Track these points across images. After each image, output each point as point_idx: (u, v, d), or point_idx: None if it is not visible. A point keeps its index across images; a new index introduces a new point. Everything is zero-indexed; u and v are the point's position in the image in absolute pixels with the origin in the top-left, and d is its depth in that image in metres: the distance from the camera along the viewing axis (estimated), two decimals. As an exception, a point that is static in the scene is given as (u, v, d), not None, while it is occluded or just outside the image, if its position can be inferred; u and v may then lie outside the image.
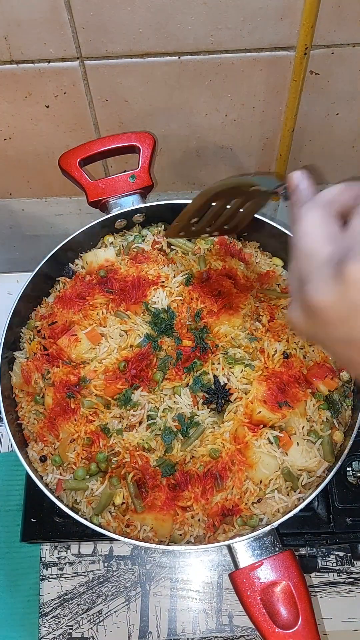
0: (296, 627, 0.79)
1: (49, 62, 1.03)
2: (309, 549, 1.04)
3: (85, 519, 0.88)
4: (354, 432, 0.92)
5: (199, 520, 0.89)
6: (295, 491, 0.91)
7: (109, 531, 0.87)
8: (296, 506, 0.88)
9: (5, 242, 1.50)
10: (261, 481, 0.90)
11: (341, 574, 1.06)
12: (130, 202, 1.10)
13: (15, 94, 1.09)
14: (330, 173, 1.32)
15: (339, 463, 0.90)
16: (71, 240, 1.07)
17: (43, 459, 0.95)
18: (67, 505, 0.90)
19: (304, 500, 0.88)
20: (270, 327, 1.00)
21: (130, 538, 0.87)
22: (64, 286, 1.08)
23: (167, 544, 0.89)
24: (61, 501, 0.90)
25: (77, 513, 0.89)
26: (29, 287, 1.04)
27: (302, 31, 0.97)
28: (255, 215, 1.06)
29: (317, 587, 1.05)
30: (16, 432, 0.98)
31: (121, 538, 0.86)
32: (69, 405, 0.95)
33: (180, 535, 0.90)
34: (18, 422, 1.00)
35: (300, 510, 0.98)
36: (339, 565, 1.07)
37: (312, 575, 1.05)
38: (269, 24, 0.97)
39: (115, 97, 1.11)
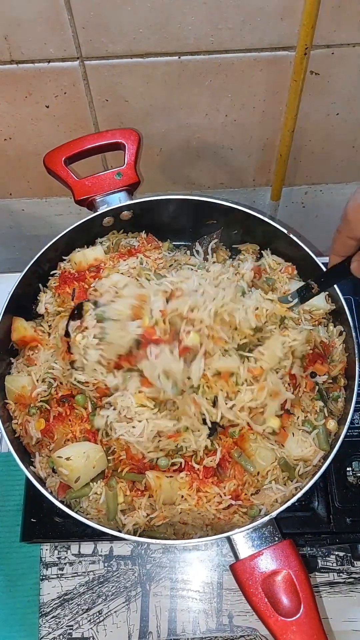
0: (298, 615, 0.80)
1: (49, 62, 1.03)
2: (309, 549, 1.04)
3: (106, 527, 0.87)
4: (348, 420, 0.92)
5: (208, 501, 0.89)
6: (292, 481, 0.91)
7: (135, 531, 0.88)
8: (294, 495, 0.88)
9: (5, 242, 1.51)
10: (259, 473, 0.91)
11: (341, 574, 1.06)
12: (117, 200, 1.09)
13: (15, 94, 1.09)
14: (330, 173, 1.32)
15: (334, 451, 0.90)
16: (58, 240, 1.06)
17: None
18: (67, 505, 0.89)
19: (301, 489, 0.88)
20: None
21: (142, 536, 0.88)
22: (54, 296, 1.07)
23: (170, 539, 0.89)
24: (69, 507, 0.89)
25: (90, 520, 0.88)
26: (16, 293, 1.02)
27: (302, 31, 0.97)
28: (253, 214, 1.07)
29: (317, 587, 1.05)
30: (14, 439, 0.97)
31: (135, 538, 0.86)
32: (61, 414, 0.94)
33: (184, 525, 0.90)
34: (16, 436, 0.99)
35: (301, 510, 0.98)
36: (339, 565, 1.06)
37: (312, 575, 1.05)
38: (269, 24, 0.97)
39: (115, 97, 1.11)
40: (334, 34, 0.99)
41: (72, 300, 1.01)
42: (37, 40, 0.99)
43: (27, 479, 1.02)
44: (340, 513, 0.98)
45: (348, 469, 1.01)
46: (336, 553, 1.07)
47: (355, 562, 1.06)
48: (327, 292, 1.03)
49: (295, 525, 0.98)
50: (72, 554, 1.08)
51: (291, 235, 1.05)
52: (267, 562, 0.83)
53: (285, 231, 1.05)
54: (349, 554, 1.06)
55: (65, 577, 1.07)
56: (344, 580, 1.06)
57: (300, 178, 1.32)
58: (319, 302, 1.02)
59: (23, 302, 1.07)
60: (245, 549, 0.85)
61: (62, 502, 0.89)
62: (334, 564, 1.07)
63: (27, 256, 1.04)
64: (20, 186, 1.33)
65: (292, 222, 1.43)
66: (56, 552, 1.09)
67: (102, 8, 0.94)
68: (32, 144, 1.21)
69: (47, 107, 1.12)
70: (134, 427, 0.87)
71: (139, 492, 0.90)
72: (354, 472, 1.01)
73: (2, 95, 1.10)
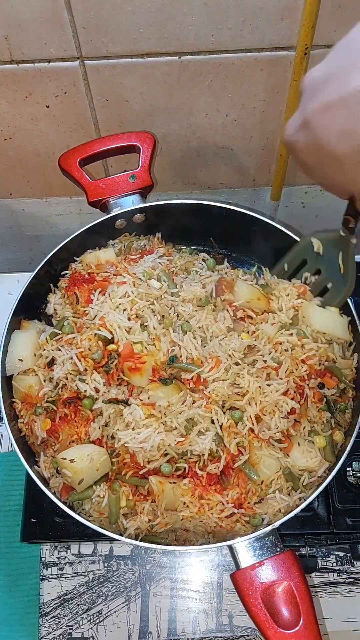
0: (298, 627, 0.79)
1: (49, 62, 1.03)
2: (309, 549, 1.04)
3: (107, 531, 0.87)
4: (355, 432, 0.92)
5: (210, 509, 0.89)
6: (296, 491, 0.91)
7: (137, 535, 0.88)
8: (297, 506, 0.87)
9: (5, 242, 1.50)
10: (263, 481, 0.90)
11: (341, 574, 1.06)
12: (131, 202, 1.10)
13: (15, 94, 1.09)
14: (330, 173, 1.31)
15: (340, 463, 0.89)
16: (70, 241, 1.07)
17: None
18: (69, 507, 0.89)
19: (304, 500, 0.88)
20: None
21: (144, 541, 0.87)
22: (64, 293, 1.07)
23: (171, 544, 0.89)
24: (72, 509, 0.89)
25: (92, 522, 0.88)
26: (26, 293, 1.03)
27: (303, 31, 0.97)
28: (253, 214, 1.08)
29: (317, 587, 1.05)
30: (19, 438, 0.96)
31: (134, 542, 0.86)
32: (67, 415, 0.94)
33: (185, 531, 0.90)
34: (21, 435, 0.99)
35: (301, 511, 0.97)
36: (339, 565, 1.06)
37: (312, 575, 1.05)
38: (269, 24, 0.97)
39: (115, 97, 1.11)
40: (334, 34, 0.99)
41: (77, 304, 1.01)
42: (37, 40, 0.99)
43: (28, 479, 1.02)
44: (340, 513, 0.98)
45: (348, 469, 1.01)
46: (336, 553, 1.07)
47: (355, 562, 1.06)
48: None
49: (295, 525, 0.98)
50: (72, 554, 1.08)
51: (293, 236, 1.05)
52: (268, 573, 0.83)
53: (298, 239, 1.05)
54: (349, 554, 1.06)
55: (65, 577, 1.07)
56: (343, 580, 1.06)
57: (300, 178, 1.32)
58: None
59: (33, 302, 1.07)
60: (246, 558, 0.85)
61: (64, 503, 0.89)
62: (334, 564, 1.07)
63: (27, 256, 1.05)
64: (20, 186, 1.33)
65: (292, 222, 1.43)
66: (56, 552, 1.09)
67: (102, 8, 0.94)
68: (32, 144, 1.21)
69: (47, 107, 1.12)
70: (138, 433, 0.87)
71: (142, 497, 0.90)
72: (354, 472, 1.01)
73: (2, 95, 1.10)
